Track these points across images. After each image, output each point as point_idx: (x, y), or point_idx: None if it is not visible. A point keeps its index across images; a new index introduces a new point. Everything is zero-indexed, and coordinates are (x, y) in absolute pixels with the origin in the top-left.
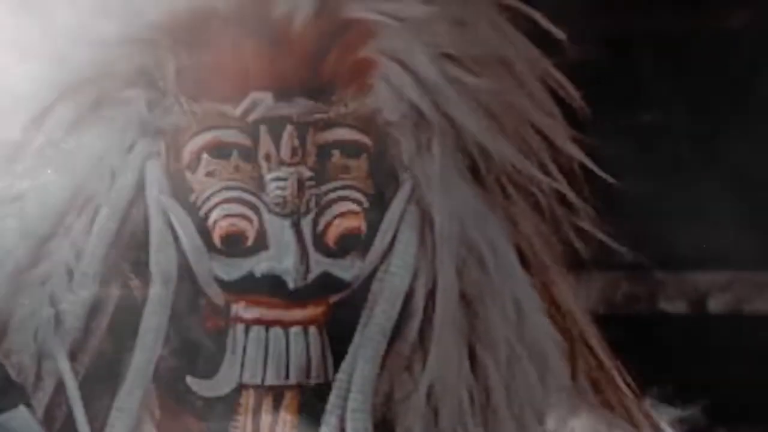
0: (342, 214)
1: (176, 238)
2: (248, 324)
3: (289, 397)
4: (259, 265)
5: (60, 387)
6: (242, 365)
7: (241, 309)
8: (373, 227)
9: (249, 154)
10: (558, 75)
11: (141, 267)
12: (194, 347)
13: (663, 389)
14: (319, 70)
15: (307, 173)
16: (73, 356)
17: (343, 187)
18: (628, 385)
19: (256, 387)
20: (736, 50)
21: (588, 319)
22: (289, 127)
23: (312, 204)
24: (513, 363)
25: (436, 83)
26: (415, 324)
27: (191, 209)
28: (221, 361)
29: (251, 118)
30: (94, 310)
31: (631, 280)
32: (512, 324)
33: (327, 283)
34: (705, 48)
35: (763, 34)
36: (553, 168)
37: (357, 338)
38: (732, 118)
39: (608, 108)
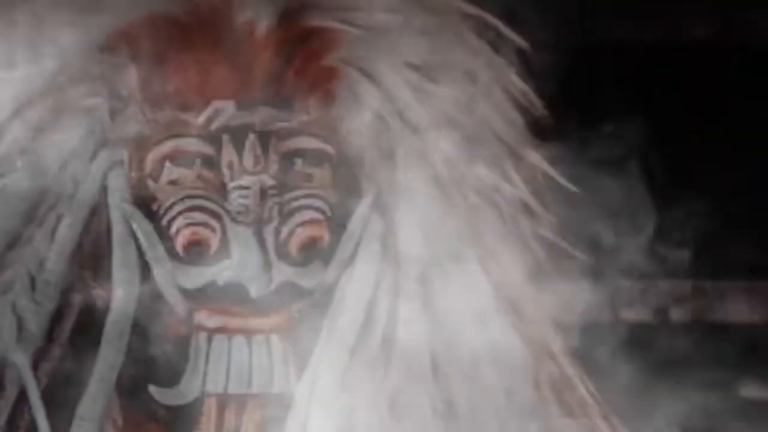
0: (305, 223)
1: (139, 247)
2: (211, 332)
3: (251, 406)
4: (222, 273)
5: (22, 396)
6: (205, 374)
7: (203, 317)
8: (336, 236)
9: (212, 163)
10: (521, 84)
11: (103, 275)
12: (157, 356)
13: (625, 398)
14: (281, 79)
15: (270, 182)
16: (35, 365)
17: (306, 196)
18: (591, 394)
19: (218, 396)
20: (698, 62)
21: (550, 328)
22: (251, 136)
23: (275, 212)
24: (476, 372)
25: (400, 92)
26: (377, 333)
27: (153, 218)
28: (184, 369)
29: (213, 126)
30: (56, 318)
31: (593, 289)
32: (475, 333)
33: (290, 292)
34: (667, 59)
35: (724, 47)
36: (515, 177)
37: (320, 347)
38: (694, 128)
39: (570, 117)
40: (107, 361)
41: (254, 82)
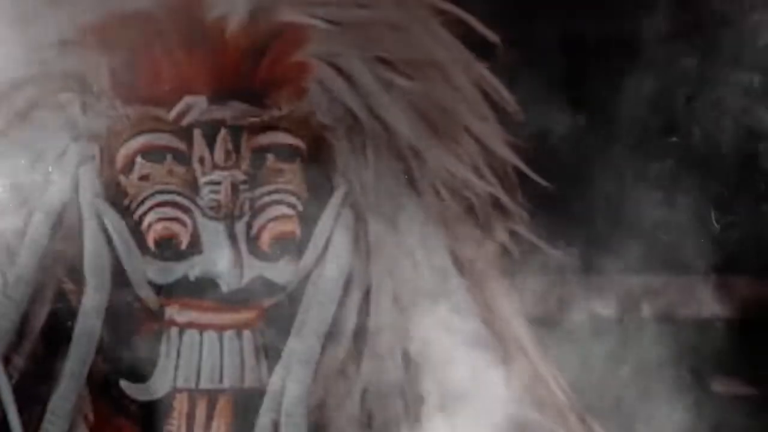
0: (276, 218)
1: (110, 242)
2: (182, 327)
3: (223, 401)
4: (193, 268)
5: None
6: (176, 369)
7: (175, 312)
8: (308, 231)
9: (183, 158)
10: (492, 79)
11: (75, 271)
12: (128, 351)
13: (597, 392)
14: (253, 74)
15: (241, 177)
16: (7, 360)
17: (277, 191)
18: (562, 389)
19: (190, 391)
20: (669, 56)
21: (522, 323)
22: (222, 131)
23: (246, 208)
24: (447, 367)
25: (370, 87)
26: (349, 328)
27: (125, 213)
28: (155, 365)
29: (185, 121)
30: (28, 313)
31: (565, 284)
32: (446, 328)
33: (261, 287)
34: (639, 53)
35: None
36: (486, 172)
37: (291, 342)
38: (666, 122)
39: (541, 112)
40: (78, 356)
41: (226, 78)
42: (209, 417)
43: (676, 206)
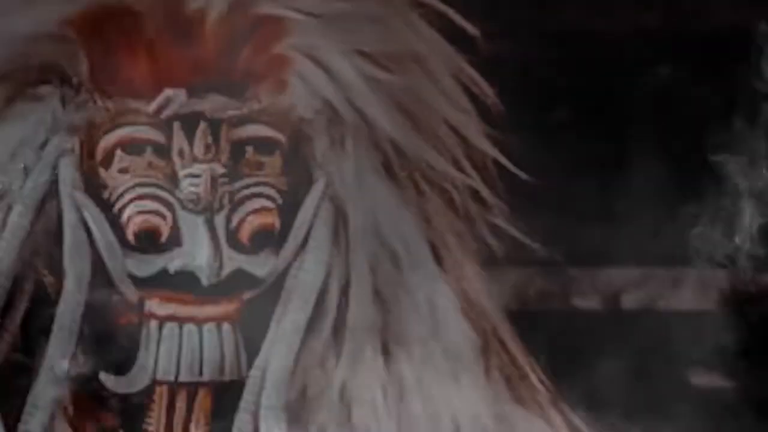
0: (256, 211)
1: (90, 235)
2: (162, 320)
3: (202, 394)
4: (173, 261)
5: None
6: (156, 362)
7: (154, 305)
8: (287, 224)
9: (162, 151)
10: (471, 71)
11: (55, 263)
12: (108, 343)
13: (576, 386)
14: (233, 67)
15: (221, 170)
16: None
17: (257, 184)
18: (542, 382)
19: (169, 383)
20: (648, 49)
21: (501, 316)
22: (202, 124)
23: (225, 201)
24: (426, 359)
25: (350, 80)
26: (328, 321)
27: (105, 206)
28: (135, 357)
29: (164, 114)
30: (7, 306)
31: (545, 277)
32: (426, 321)
33: (241, 280)
34: (617, 47)
35: (674, 34)
36: (466, 164)
37: (271, 335)
38: (645, 115)
39: (521, 105)
40: (58, 349)
41: (205, 70)
42: (189, 410)
43: (657, 199)
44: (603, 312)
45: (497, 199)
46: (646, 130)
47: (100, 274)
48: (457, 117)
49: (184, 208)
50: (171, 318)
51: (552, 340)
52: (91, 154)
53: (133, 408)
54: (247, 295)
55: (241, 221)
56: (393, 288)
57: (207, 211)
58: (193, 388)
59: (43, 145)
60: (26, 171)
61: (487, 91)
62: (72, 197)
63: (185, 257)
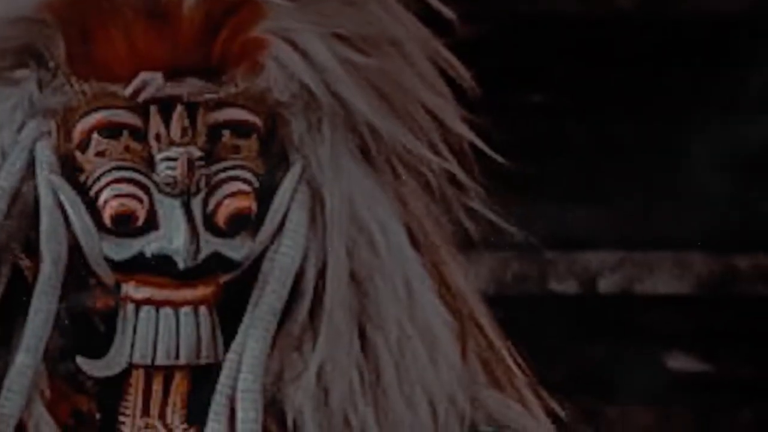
0: (232, 194)
1: (66, 218)
2: (138, 304)
3: (179, 377)
4: (150, 245)
5: None
6: (132, 345)
7: (131, 289)
8: (264, 207)
9: (139, 134)
10: (448, 55)
11: (31, 247)
12: (84, 327)
13: (554, 369)
14: (209, 50)
15: (197, 153)
16: None
17: (234, 167)
18: (519, 365)
19: (146, 367)
20: (625, 33)
21: (478, 299)
22: (179, 107)
23: (202, 184)
24: (403, 343)
25: (326, 63)
26: (305, 304)
27: (81, 189)
28: (111, 341)
29: (141, 97)
30: None
31: (521, 260)
32: (403, 304)
33: (217, 263)
34: (594, 30)
35: (651, 18)
36: (443, 148)
37: (247, 318)
38: (621, 98)
39: (498, 88)
40: (34, 332)
41: (182, 54)
42: (165, 393)
43: (633, 182)
44: (580, 295)
45: (473, 183)
46: (624, 113)
47: (76, 257)
48: (433, 100)
49: (160, 191)
50: (148, 301)
51: (529, 324)
52: (68, 138)
53: (110, 392)
54: (223, 279)
55: (218, 204)
56: (369, 271)
57: (184, 194)
58: (169, 372)
59: (20, 128)
60: (3, 154)
61: (464, 74)
62: (48, 181)
63: (162, 241)
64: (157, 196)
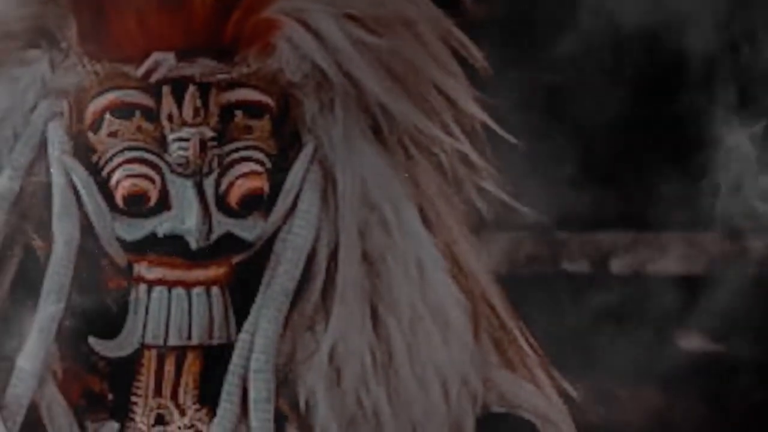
0: (245, 175)
1: (78, 198)
2: (151, 284)
3: (191, 358)
4: (162, 225)
5: None
6: (144, 326)
7: (143, 269)
8: (276, 188)
9: (151, 115)
10: (460, 35)
11: (43, 227)
12: (96, 307)
13: (565, 350)
14: (221, 31)
15: (210, 133)
16: None
17: (246, 148)
18: (531, 346)
19: (158, 347)
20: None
21: (490, 279)
22: (191, 88)
23: (214, 164)
24: (415, 323)
25: (339, 44)
26: (317, 284)
27: (93, 169)
28: (123, 321)
29: (153, 78)
30: None
31: (534, 241)
32: (415, 284)
33: (229, 244)
34: (607, 8)
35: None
36: (455, 128)
37: (260, 298)
38: (635, 78)
39: (511, 68)
40: (47, 312)
41: (194, 34)
42: (178, 374)
43: (643, 162)
44: (592, 275)
45: (486, 163)
46: (638, 94)
47: (88, 237)
48: (445, 81)
49: (173, 171)
50: (160, 282)
51: (541, 304)
52: (80, 118)
53: (122, 372)
54: (236, 259)
55: (230, 185)
56: (382, 251)
57: (196, 174)
58: (181, 352)
59: (32, 109)
60: (15, 135)
61: (475, 54)
62: (60, 161)
63: (174, 221)
64: (170, 177)
